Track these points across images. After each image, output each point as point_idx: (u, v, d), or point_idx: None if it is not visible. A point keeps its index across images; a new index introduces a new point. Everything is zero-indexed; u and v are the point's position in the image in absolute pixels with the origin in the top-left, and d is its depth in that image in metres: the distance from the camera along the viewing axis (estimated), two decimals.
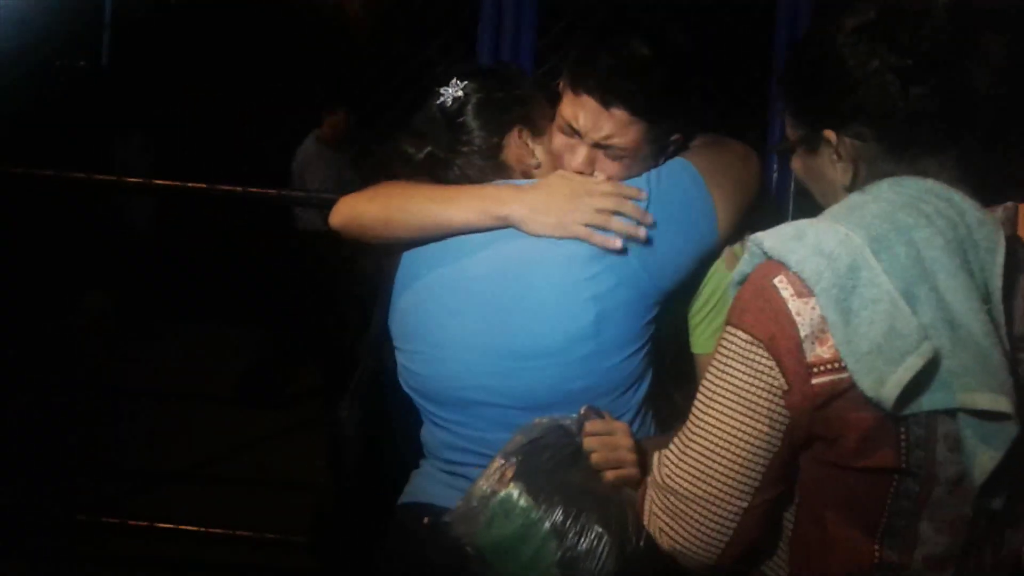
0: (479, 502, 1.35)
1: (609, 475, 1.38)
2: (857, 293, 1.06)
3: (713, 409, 1.13)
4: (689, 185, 1.55)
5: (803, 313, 1.08)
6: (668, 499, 1.16)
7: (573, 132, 1.55)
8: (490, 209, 1.52)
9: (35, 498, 3.52)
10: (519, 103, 1.62)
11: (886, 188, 1.13)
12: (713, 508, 1.13)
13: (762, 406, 1.10)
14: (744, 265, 1.17)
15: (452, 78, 1.62)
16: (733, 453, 1.11)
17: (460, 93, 1.60)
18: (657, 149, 1.57)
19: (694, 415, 1.16)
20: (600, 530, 1.32)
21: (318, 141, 5.51)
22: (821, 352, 1.07)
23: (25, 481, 3.57)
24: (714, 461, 1.12)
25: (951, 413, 1.06)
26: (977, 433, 1.05)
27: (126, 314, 6.37)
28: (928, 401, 1.05)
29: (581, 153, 1.55)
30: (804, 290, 1.08)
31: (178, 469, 4.12)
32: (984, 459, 1.05)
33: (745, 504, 1.12)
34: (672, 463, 1.17)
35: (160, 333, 6.31)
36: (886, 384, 1.03)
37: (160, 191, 4.99)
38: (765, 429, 1.10)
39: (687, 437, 1.16)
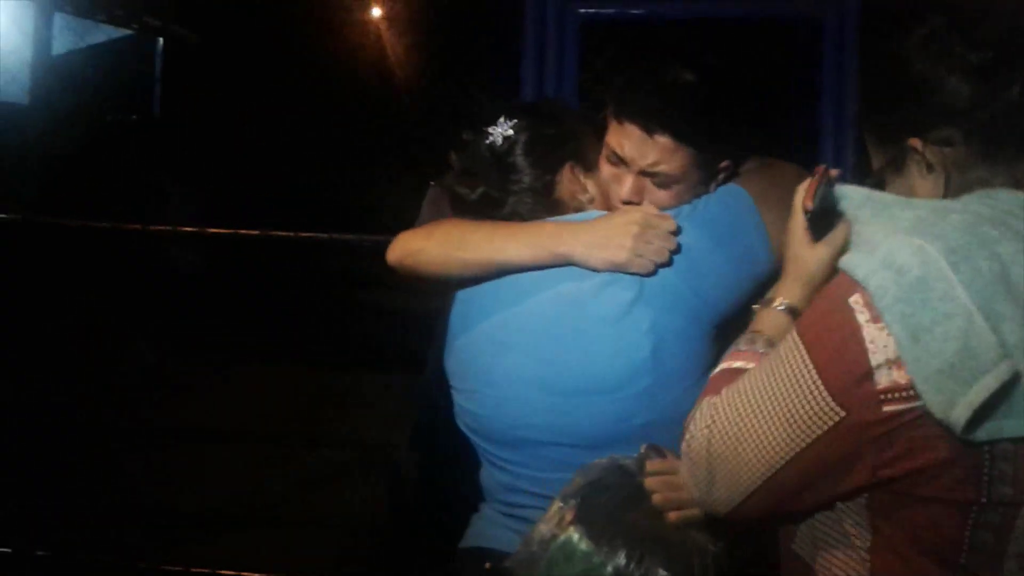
0: (539, 546, 1.32)
1: (672, 516, 1.34)
2: (929, 307, 1.00)
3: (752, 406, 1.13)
4: (741, 210, 1.53)
5: (876, 340, 1.03)
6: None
7: (619, 161, 1.54)
8: (550, 246, 1.50)
9: (88, 545, 3.54)
10: (569, 139, 1.61)
11: (976, 200, 1.09)
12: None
13: (800, 420, 1.08)
14: None
15: (499, 116, 1.61)
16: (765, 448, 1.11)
17: (510, 132, 1.58)
18: (706, 175, 1.56)
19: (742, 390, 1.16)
20: (664, 573, 1.29)
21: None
22: (898, 377, 1.02)
23: (79, 528, 3.60)
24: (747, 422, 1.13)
25: None
26: None
27: (173, 355, 6.44)
28: (1010, 428, 0.99)
29: (628, 182, 1.54)
30: (878, 313, 1.03)
31: (231, 512, 4.13)
32: None
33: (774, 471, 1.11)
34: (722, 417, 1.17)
35: (206, 373, 6.36)
36: (956, 406, 0.97)
37: (213, 239, 5.08)
38: (803, 439, 1.09)
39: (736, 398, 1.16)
